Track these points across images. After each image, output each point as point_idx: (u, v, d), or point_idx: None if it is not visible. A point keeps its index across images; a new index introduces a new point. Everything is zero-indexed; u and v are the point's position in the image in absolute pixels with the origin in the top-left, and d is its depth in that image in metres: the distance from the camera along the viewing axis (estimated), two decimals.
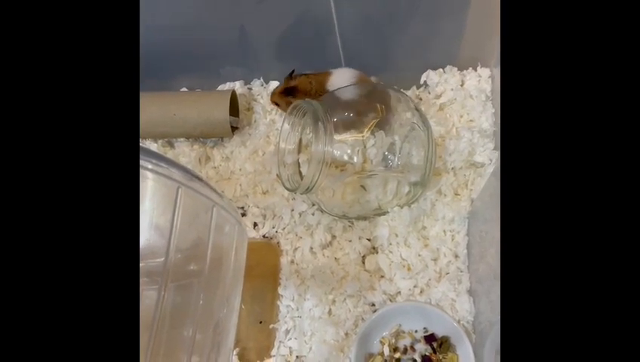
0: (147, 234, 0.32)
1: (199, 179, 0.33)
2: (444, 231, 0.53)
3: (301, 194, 0.49)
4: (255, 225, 0.57)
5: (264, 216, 0.57)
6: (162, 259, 0.35)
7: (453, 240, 0.53)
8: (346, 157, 0.50)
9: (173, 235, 0.30)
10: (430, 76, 0.62)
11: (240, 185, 0.59)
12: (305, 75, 0.58)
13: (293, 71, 0.58)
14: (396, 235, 0.53)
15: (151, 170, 0.30)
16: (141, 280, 0.35)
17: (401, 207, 0.53)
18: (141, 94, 0.62)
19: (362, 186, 0.52)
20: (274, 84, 0.65)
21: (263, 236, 0.56)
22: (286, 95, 0.59)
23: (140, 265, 0.32)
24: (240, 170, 0.61)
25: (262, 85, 0.66)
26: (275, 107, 0.62)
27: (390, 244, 0.53)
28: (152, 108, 0.60)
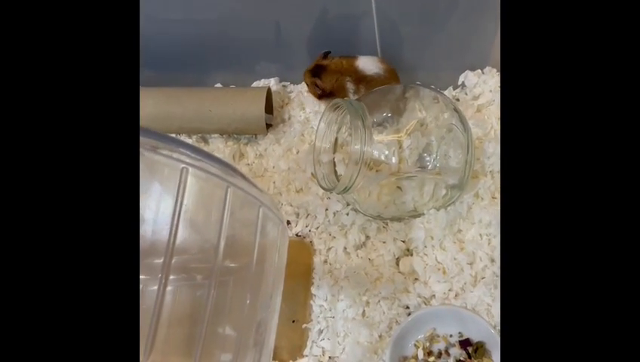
0: (183, 230, 0.32)
1: (245, 178, 0.33)
2: (481, 235, 0.52)
3: (338, 194, 0.48)
4: (288, 223, 0.57)
5: (297, 215, 0.57)
6: (194, 255, 0.35)
7: (489, 244, 0.52)
8: (383, 158, 0.50)
9: (222, 235, 0.29)
10: (468, 77, 0.61)
11: (273, 182, 0.59)
12: (339, 57, 0.58)
13: (329, 52, 0.58)
14: (432, 238, 0.52)
15: (191, 165, 0.30)
16: (179, 276, 0.36)
17: (437, 210, 0.52)
18: (177, 89, 0.62)
19: (399, 187, 0.52)
20: None
21: (296, 234, 0.56)
22: (313, 75, 0.58)
23: (176, 260, 0.32)
24: (273, 167, 0.61)
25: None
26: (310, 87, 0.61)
27: (425, 247, 0.52)
28: (187, 104, 0.61)
